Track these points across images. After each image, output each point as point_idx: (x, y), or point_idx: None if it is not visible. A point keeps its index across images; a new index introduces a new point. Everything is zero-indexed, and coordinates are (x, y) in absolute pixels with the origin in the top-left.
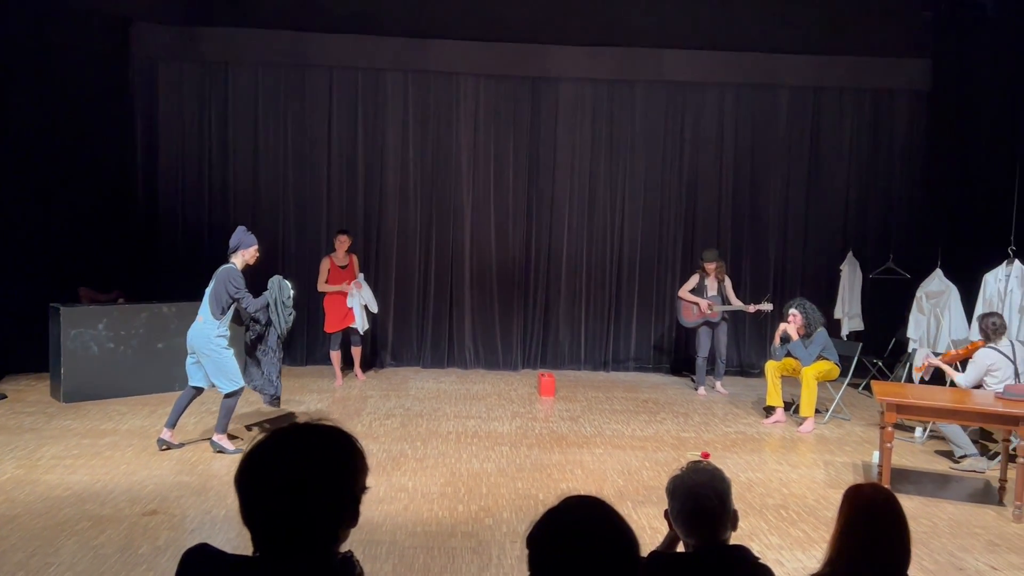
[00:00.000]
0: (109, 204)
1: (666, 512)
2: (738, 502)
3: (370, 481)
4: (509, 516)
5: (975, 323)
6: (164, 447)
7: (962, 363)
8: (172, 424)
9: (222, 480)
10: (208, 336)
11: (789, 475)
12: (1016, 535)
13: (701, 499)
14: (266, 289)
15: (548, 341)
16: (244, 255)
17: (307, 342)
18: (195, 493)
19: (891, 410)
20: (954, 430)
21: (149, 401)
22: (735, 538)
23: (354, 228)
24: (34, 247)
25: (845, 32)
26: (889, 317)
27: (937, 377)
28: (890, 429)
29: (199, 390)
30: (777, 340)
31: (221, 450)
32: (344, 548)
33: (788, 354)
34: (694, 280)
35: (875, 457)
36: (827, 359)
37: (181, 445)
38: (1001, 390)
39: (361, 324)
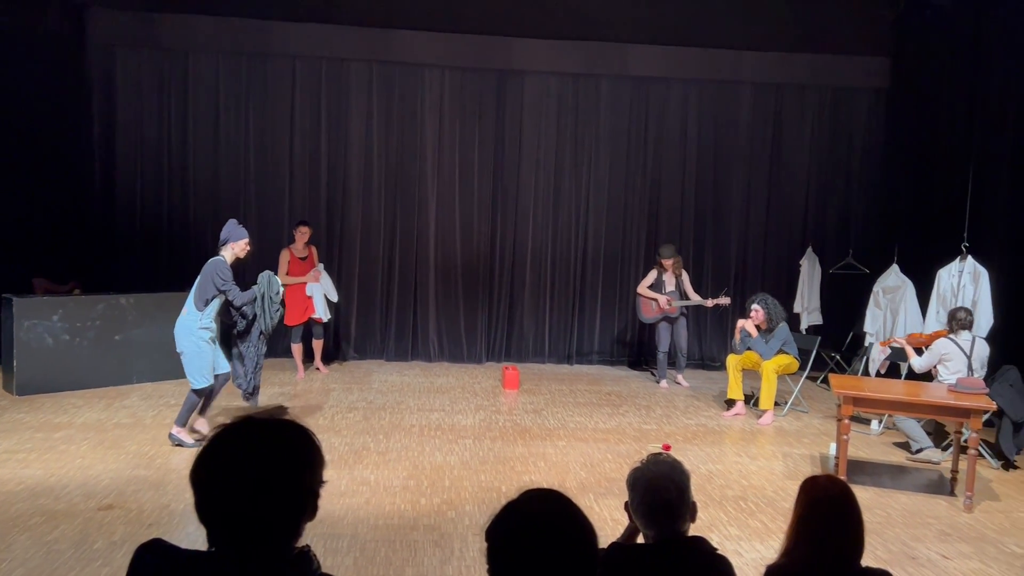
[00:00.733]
0: (65, 193)
1: (626, 504)
2: (698, 494)
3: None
4: (472, 509)
5: (935, 318)
6: (199, 438)
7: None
8: (202, 412)
9: (180, 474)
10: (190, 328)
11: (748, 467)
12: (966, 524)
13: (661, 491)
14: (255, 283)
15: (512, 334)
16: (234, 248)
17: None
18: (153, 487)
19: (848, 403)
20: (909, 425)
21: (106, 394)
22: (694, 529)
23: (317, 219)
24: None
25: (807, 30)
26: (847, 312)
27: (893, 371)
28: (847, 421)
29: (225, 376)
30: (737, 336)
31: (179, 443)
32: (304, 542)
33: (749, 348)
34: (652, 276)
35: (832, 449)
36: (787, 353)
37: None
38: (953, 382)
39: (323, 312)
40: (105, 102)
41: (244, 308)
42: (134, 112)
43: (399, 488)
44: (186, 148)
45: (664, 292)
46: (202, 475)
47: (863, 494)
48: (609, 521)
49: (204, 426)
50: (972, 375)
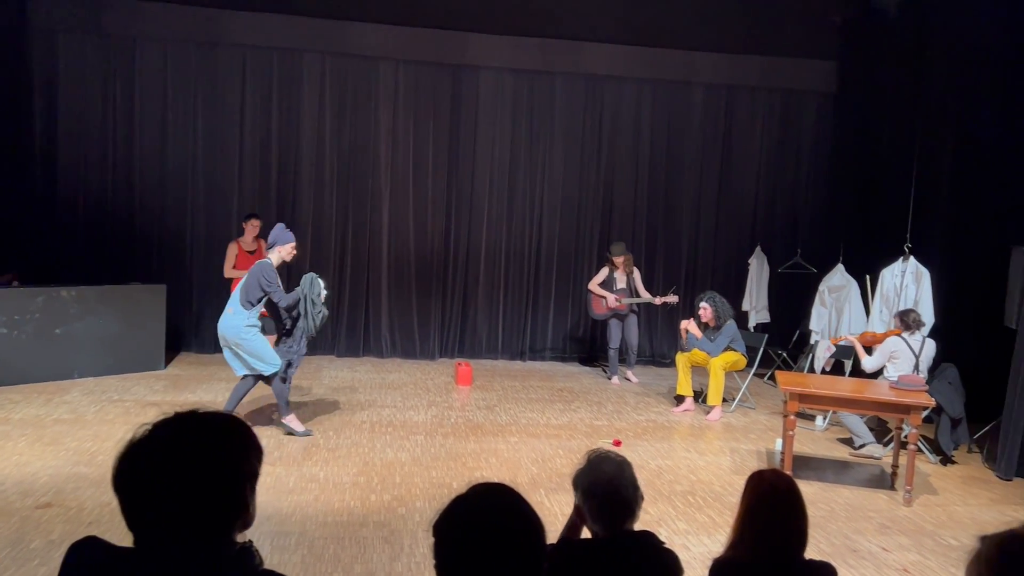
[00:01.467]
0: (4, 182)
1: (577, 506)
2: (647, 489)
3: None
4: (422, 505)
5: (879, 316)
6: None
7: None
8: (231, 407)
9: None
10: (239, 326)
11: (697, 462)
12: (905, 518)
13: (620, 490)
14: (299, 285)
15: (466, 330)
16: (280, 252)
17: (216, 329)
18: (93, 484)
19: (794, 399)
20: (853, 421)
21: (45, 389)
22: (644, 524)
23: (267, 212)
24: None
25: (758, 33)
26: (794, 310)
27: (837, 368)
28: (792, 418)
29: (251, 379)
30: (683, 336)
31: (291, 432)
32: (252, 539)
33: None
34: (603, 273)
35: (778, 444)
36: (735, 350)
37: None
38: (895, 379)
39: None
40: (47, 90)
41: (291, 309)
42: (77, 101)
43: (349, 485)
44: (131, 138)
45: (615, 289)
46: (124, 475)
47: (808, 489)
48: (560, 516)
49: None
50: (917, 373)
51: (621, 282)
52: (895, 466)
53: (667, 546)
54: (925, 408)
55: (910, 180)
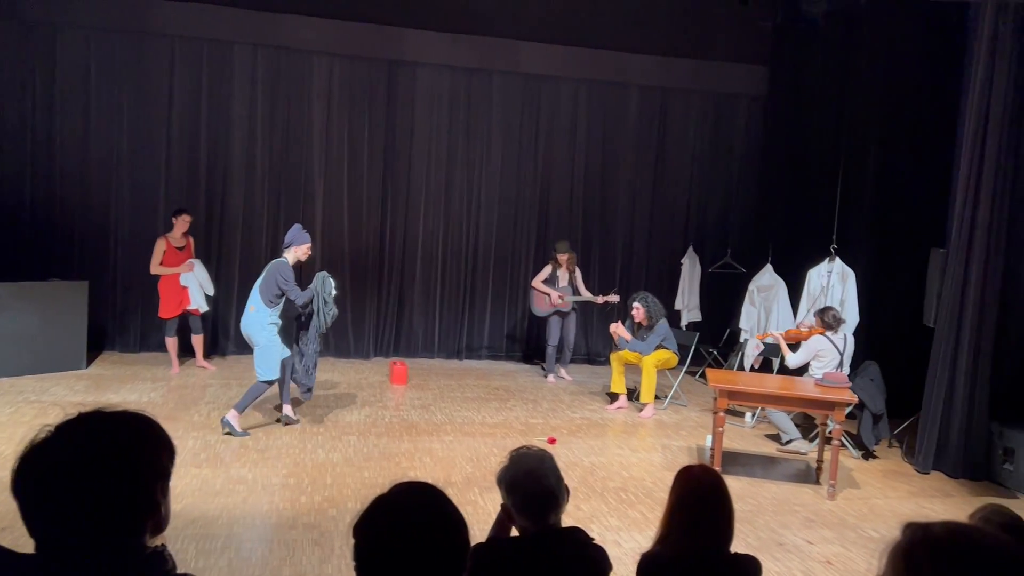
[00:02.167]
0: None
1: (503, 505)
2: (581, 486)
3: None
4: (354, 506)
5: (806, 315)
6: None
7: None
8: (285, 400)
9: None
10: (261, 323)
11: (629, 459)
12: (829, 511)
13: (541, 479)
14: (311, 283)
15: (401, 329)
16: (296, 251)
17: (141, 327)
18: (4, 489)
19: (723, 396)
20: (780, 417)
21: None
22: (577, 520)
23: (195, 207)
24: None
25: (691, 37)
26: (724, 309)
27: (766, 366)
28: (722, 414)
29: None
30: (616, 339)
31: (230, 430)
32: (170, 542)
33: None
34: (547, 271)
35: (708, 441)
36: (667, 348)
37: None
38: (820, 376)
39: (200, 302)
40: None
41: (305, 307)
42: None
43: (278, 486)
44: (52, 130)
45: (557, 287)
46: (26, 478)
47: (736, 484)
48: (494, 515)
49: (291, 411)
50: (842, 370)
51: (564, 280)
52: (820, 461)
53: (596, 542)
54: (848, 404)
55: (836, 183)
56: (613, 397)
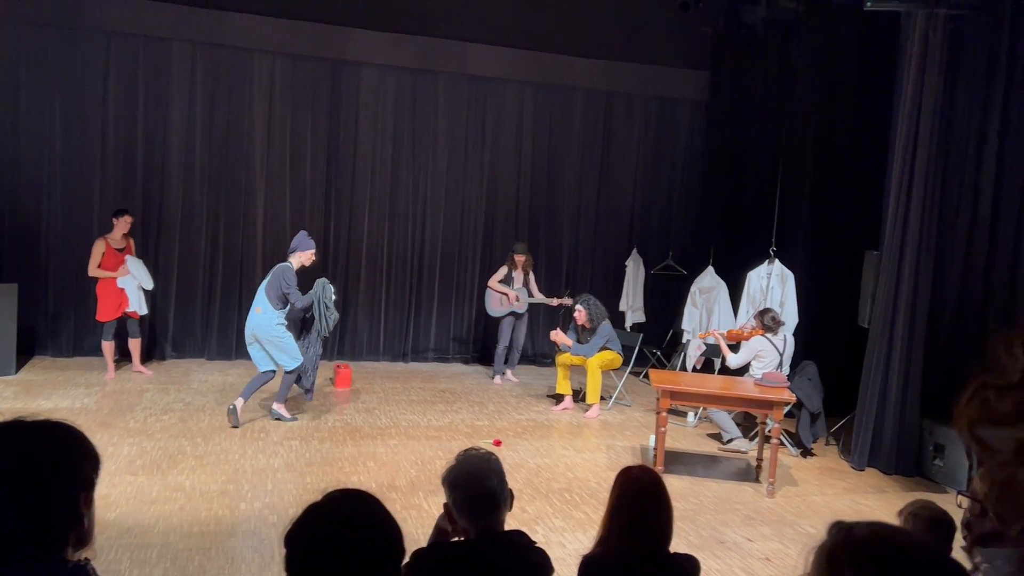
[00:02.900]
0: None
1: (445, 505)
2: (526, 487)
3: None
4: (296, 513)
5: (747, 317)
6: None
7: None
8: (246, 396)
9: None
10: (270, 323)
11: (574, 459)
12: (769, 509)
13: (483, 480)
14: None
15: (345, 331)
16: (300, 257)
17: (74, 331)
18: None
19: (665, 397)
20: (721, 416)
21: None
22: (519, 524)
23: (132, 207)
24: None
25: (635, 42)
26: (668, 310)
27: (708, 366)
28: (664, 414)
29: (271, 373)
30: (559, 345)
31: (279, 418)
32: (103, 553)
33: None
34: (503, 271)
35: (651, 440)
36: (611, 349)
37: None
38: (760, 376)
39: (139, 305)
40: None
41: (305, 311)
42: None
43: (217, 493)
44: None
45: (512, 289)
46: None
47: (679, 483)
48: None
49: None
50: (782, 370)
51: (519, 282)
52: (760, 459)
53: (538, 545)
54: (787, 404)
55: (775, 187)
56: (558, 398)
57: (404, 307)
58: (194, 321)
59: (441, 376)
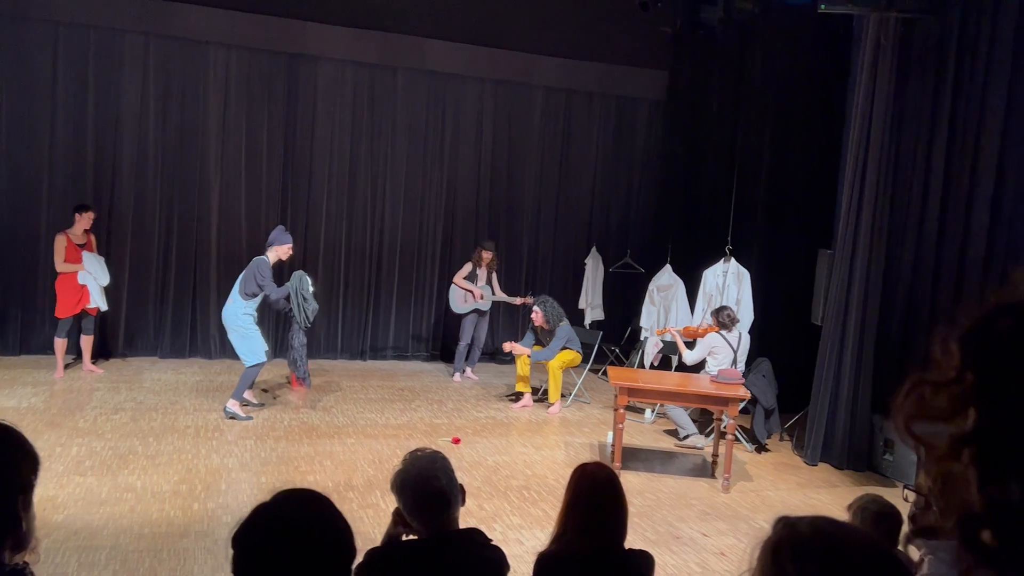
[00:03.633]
0: None
1: (396, 510)
2: (484, 485)
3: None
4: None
5: (703, 314)
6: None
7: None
8: (238, 397)
9: None
10: (236, 313)
11: (533, 457)
12: (724, 504)
13: (432, 480)
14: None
15: None
16: (277, 251)
17: (21, 328)
18: None
19: (623, 394)
20: (678, 413)
21: None
22: (480, 520)
23: (82, 201)
24: None
25: (594, 41)
26: (626, 308)
27: (665, 363)
28: (622, 411)
29: (259, 366)
30: (517, 356)
31: (233, 416)
32: (50, 556)
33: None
34: (467, 268)
35: (609, 437)
36: (570, 348)
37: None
38: (715, 373)
39: (100, 300)
40: None
41: (280, 303)
42: None
43: (169, 493)
44: None
45: (477, 286)
46: None
47: (635, 479)
48: None
49: (251, 396)
50: (736, 367)
51: (483, 279)
52: (715, 455)
53: (494, 542)
54: (742, 400)
55: (731, 186)
56: (518, 396)
57: (362, 304)
58: (146, 318)
59: (400, 374)
